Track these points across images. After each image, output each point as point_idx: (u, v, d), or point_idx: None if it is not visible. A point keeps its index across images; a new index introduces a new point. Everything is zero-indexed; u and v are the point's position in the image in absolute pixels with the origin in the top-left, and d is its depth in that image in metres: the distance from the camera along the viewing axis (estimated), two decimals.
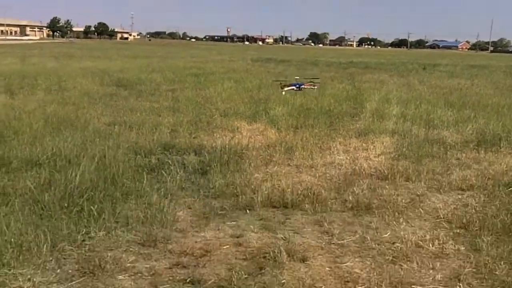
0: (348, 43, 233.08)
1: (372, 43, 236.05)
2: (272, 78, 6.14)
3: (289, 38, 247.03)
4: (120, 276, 3.89)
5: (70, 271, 3.93)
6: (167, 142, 8.01)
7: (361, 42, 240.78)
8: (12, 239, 4.23)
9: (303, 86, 5.96)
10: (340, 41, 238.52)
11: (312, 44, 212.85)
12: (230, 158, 7.13)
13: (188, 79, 18.96)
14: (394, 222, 5.16)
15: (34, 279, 3.76)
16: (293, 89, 5.90)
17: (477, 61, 50.41)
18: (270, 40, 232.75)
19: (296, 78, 5.93)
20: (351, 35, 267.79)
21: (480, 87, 19.78)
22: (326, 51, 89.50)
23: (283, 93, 5.69)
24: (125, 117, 10.19)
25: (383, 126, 10.14)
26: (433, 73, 29.12)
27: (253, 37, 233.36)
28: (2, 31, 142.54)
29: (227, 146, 7.68)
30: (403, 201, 5.81)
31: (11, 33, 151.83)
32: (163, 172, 6.32)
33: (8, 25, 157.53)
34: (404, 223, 5.15)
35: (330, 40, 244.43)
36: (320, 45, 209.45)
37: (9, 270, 3.86)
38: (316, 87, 5.95)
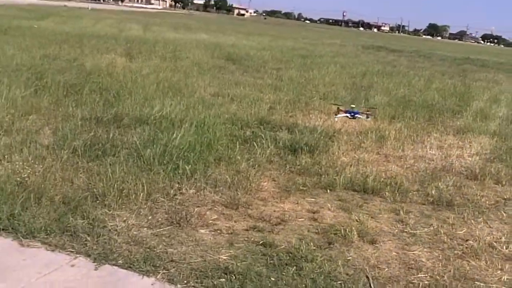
0: (470, 38, 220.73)
1: (495, 40, 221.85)
2: (332, 101, 6.29)
3: (406, 28, 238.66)
4: (202, 230, 4.32)
5: (159, 219, 4.43)
6: (264, 117, 8.38)
7: (483, 38, 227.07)
8: (115, 185, 4.82)
9: (357, 116, 5.93)
10: (460, 35, 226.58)
11: (429, 36, 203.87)
12: (321, 139, 7.38)
13: (294, 60, 19.25)
14: (472, 221, 5.17)
15: (129, 222, 4.30)
16: (347, 116, 5.93)
17: None
18: (386, 28, 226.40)
19: (352, 107, 5.99)
20: (474, 30, 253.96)
21: None
22: (443, 45, 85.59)
23: (336, 119, 5.82)
24: (229, 90, 10.72)
25: (484, 127, 9.84)
26: None
27: (368, 23, 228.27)
28: None
29: (320, 128, 7.93)
30: (487, 202, 5.75)
31: (137, 0, 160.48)
32: (255, 144, 6.71)
33: None
34: (482, 223, 5.14)
35: (449, 34, 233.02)
36: (439, 38, 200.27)
37: (109, 210, 4.43)
38: (369, 118, 5.94)
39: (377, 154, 7.32)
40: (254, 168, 5.89)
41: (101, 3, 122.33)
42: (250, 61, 17.16)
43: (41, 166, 5.12)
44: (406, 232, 4.76)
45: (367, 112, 6.26)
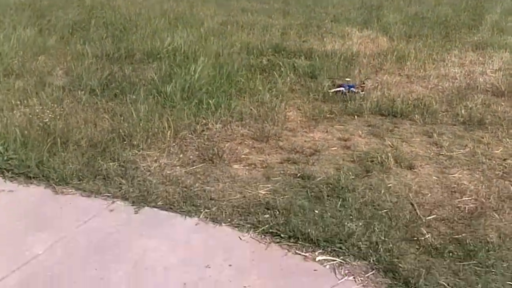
0: None
1: None
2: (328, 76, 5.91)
3: None
4: (236, 166, 4.19)
5: (191, 157, 4.29)
6: (278, 44, 8.07)
7: None
8: (140, 124, 4.65)
9: (352, 89, 5.61)
10: None
11: None
12: (340, 63, 7.12)
13: None
14: (507, 139, 5.02)
15: (160, 161, 4.17)
16: (342, 90, 5.61)
17: None
18: None
19: (347, 80, 5.70)
20: None
21: None
22: None
23: (330, 93, 5.58)
24: (236, 17, 10.30)
25: (503, 41, 9.49)
26: None
27: None
28: None
29: (337, 52, 7.65)
30: None
31: None
32: (275, 73, 6.47)
33: None
34: None
35: None
36: None
37: (138, 151, 4.28)
38: (363, 92, 5.64)
39: (399, 75, 7.08)
40: (278, 98, 5.69)
41: None
42: None
43: (61, 108, 4.93)
44: (442, 155, 4.63)
45: (362, 85, 6.03)
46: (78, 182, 3.78)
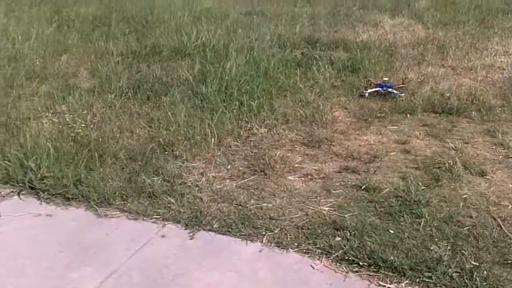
0: None
1: None
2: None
3: None
4: (290, 177, 3.79)
5: (240, 168, 3.88)
6: (310, 36, 7.61)
7: None
8: (181, 131, 4.25)
9: (390, 90, 4.97)
10: None
11: None
12: (379, 55, 6.67)
13: None
14: None
15: (208, 174, 3.76)
16: (379, 90, 5.00)
17: None
18: None
19: (385, 80, 5.11)
20: None
21: None
22: None
23: (366, 94, 4.98)
24: (260, 7, 9.83)
25: None
26: None
27: None
28: None
29: (375, 42, 7.19)
30: None
31: None
32: (313, 68, 6.03)
33: None
34: None
35: None
36: None
37: (183, 163, 3.88)
38: (403, 94, 5.01)
39: (443, 67, 6.63)
40: (321, 96, 5.27)
41: None
42: None
43: (92, 115, 4.52)
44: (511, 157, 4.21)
45: (402, 86, 5.48)
46: (122, 202, 3.39)
